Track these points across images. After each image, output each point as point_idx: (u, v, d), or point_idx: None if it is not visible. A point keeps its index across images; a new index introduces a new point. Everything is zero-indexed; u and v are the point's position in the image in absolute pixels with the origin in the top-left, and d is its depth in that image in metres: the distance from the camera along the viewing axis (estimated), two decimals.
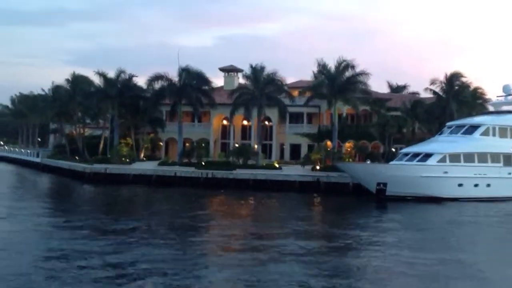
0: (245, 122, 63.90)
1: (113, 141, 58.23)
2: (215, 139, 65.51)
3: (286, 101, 56.12)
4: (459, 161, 43.35)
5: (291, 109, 62.30)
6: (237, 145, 61.67)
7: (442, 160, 42.93)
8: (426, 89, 56.61)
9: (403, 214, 38.12)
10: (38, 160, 78.37)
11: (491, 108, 52.16)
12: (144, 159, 60.89)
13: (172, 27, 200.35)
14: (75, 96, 61.87)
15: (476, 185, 43.40)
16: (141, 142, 61.51)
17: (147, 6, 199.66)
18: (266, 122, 64.51)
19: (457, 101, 55.02)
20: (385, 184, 42.41)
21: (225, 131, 65.75)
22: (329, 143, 59.86)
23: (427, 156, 43.29)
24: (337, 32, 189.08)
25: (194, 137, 65.02)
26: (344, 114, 61.14)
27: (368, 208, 40.32)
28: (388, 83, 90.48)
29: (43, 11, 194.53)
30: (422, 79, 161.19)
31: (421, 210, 39.07)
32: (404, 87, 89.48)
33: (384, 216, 37.79)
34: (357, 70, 50.30)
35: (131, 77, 57.97)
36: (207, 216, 35.19)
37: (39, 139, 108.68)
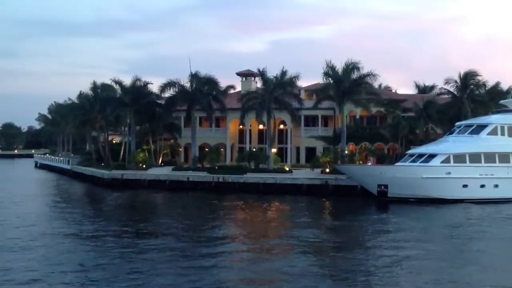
0: (261, 127, 64.19)
1: (130, 147, 59.63)
2: (232, 143, 66.16)
3: (304, 105, 56.76)
4: (464, 162, 42.31)
5: (306, 112, 62.71)
6: (254, 149, 62.18)
7: (446, 160, 42.05)
8: (441, 88, 55.35)
9: (399, 216, 37.64)
10: (68, 167, 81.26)
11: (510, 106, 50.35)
12: (162, 164, 62.21)
13: (224, 34, 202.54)
14: (96, 104, 63.76)
15: (482, 186, 42.24)
16: (158, 148, 62.82)
17: (199, 14, 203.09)
18: (282, 126, 64.83)
19: (472, 101, 53.74)
20: (386, 186, 41.95)
21: (242, 136, 66.32)
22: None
23: (431, 156, 42.52)
24: (391, 32, 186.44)
25: (211, 142, 65.95)
26: (358, 116, 60.56)
27: (367, 211, 39.97)
28: (415, 83, 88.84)
29: (98, 23, 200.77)
30: None
31: (418, 212, 38.35)
32: (432, 87, 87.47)
33: (376, 219, 37.30)
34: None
35: (146, 84, 59.36)
36: (209, 219, 35.59)
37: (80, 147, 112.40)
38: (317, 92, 54.02)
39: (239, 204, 43.89)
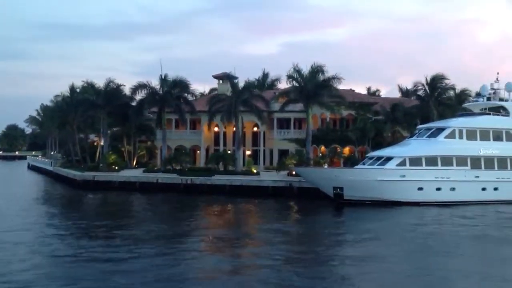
0: (234, 129, 64.43)
1: (103, 149, 60.19)
2: (207, 146, 66.52)
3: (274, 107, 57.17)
4: (420, 165, 42.46)
5: (279, 115, 63.00)
6: (229, 151, 62.54)
7: (402, 163, 42.21)
8: (408, 92, 55.63)
9: (348, 218, 38.05)
10: (51, 168, 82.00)
11: (473, 110, 50.47)
12: (136, 166, 62.70)
13: (238, 36, 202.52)
14: (72, 106, 64.34)
15: (438, 189, 42.37)
16: (132, 150, 63.30)
17: (213, 17, 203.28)
18: (255, 128, 65.18)
19: (439, 104, 53.96)
20: (341, 189, 42.15)
21: (218, 138, 66.68)
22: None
23: (388, 159, 42.72)
24: (405, 34, 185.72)
25: (187, 144, 66.31)
26: (328, 119, 60.82)
27: (320, 213, 40.36)
28: (399, 86, 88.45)
29: (113, 25, 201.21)
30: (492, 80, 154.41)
31: (367, 214, 38.62)
32: (416, 90, 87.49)
33: (323, 221, 37.67)
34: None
35: (118, 86, 59.85)
36: (165, 220, 35.79)
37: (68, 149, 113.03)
38: (283, 95, 54.33)
39: (201, 206, 44.28)
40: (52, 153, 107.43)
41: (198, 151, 66.78)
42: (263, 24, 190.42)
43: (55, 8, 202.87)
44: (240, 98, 52.88)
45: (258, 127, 64.21)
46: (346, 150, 59.27)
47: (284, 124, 64.63)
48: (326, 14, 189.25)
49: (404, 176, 41.76)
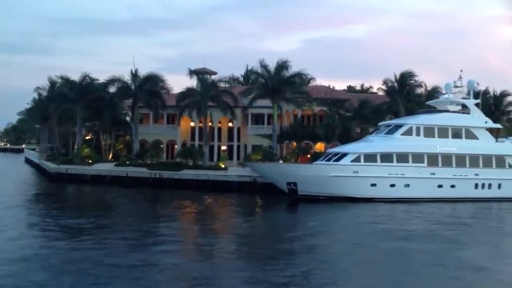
0: (210, 124, 64.84)
1: (78, 142, 60.96)
2: (183, 140, 67.01)
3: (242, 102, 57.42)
4: (375, 161, 42.60)
5: (254, 111, 63.30)
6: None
7: (357, 160, 42.37)
8: (378, 88, 55.71)
9: (297, 213, 38.37)
10: (38, 161, 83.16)
11: (437, 107, 50.37)
12: (112, 160, 63.41)
13: (257, 33, 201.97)
14: (51, 100, 65.16)
15: (392, 185, 42.49)
16: (108, 143, 64.05)
17: (233, 13, 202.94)
18: (230, 124, 65.57)
19: (408, 101, 53.99)
20: (295, 184, 42.42)
21: (194, 133, 67.14)
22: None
23: (343, 156, 42.91)
24: (426, 31, 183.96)
25: (163, 138, 66.96)
26: (299, 115, 61.00)
27: (274, 209, 40.78)
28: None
29: (133, 21, 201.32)
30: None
31: (316, 209, 38.93)
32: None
33: (272, 215, 38.03)
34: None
35: (92, 80, 60.45)
36: (120, 214, 36.07)
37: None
38: (249, 91, 54.63)
39: (163, 200, 44.52)
40: (40, 146, 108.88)
41: (176, 146, 67.33)
42: (283, 20, 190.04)
43: (75, 3, 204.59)
44: (208, 93, 53.18)
45: (233, 123, 64.60)
46: (319, 146, 59.45)
47: (259, 119, 64.96)
48: (346, 11, 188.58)
49: (357, 172, 41.91)
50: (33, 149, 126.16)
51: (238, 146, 65.61)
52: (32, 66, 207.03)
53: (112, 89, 59.47)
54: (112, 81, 57.38)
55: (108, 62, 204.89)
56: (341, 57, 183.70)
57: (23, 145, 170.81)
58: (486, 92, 63.60)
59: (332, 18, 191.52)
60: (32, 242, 24.49)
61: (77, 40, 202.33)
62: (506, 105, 60.93)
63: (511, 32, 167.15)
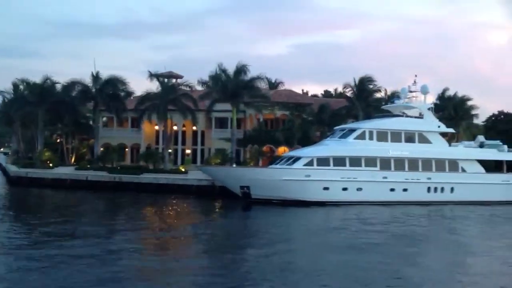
0: (175, 127, 64.96)
1: (39, 146, 60.52)
2: (148, 144, 66.89)
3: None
4: (328, 165, 42.93)
5: (217, 115, 63.42)
6: (170, 150, 63.11)
7: (309, 163, 42.67)
8: (339, 93, 56.22)
9: (250, 217, 38.48)
10: (4, 165, 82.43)
11: (393, 111, 50.88)
12: (75, 163, 63.02)
13: (248, 37, 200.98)
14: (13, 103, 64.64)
15: (344, 189, 42.86)
16: (71, 147, 63.69)
17: (224, 17, 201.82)
18: (195, 128, 65.61)
19: (367, 105, 54.54)
20: (248, 188, 42.59)
21: (158, 136, 67.04)
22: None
23: (297, 159, 43.20)
24: (418, 37, 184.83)
25: (128, 142, 66.79)
26: (261, 119, 61.28)
27: (222, 213, 40.82)
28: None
29: (124, 25, 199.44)
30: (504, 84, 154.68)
31: (267, 213, 39.05)
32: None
33: (228, 219, 38.04)
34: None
35: (53, 83, 60.11)
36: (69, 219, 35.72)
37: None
38: (206, 94, 54.74)
39: (120, 204, 44.15)
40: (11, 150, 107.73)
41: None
42: (274, 25, 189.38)
43: (66, 6, 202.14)
44: (168, 96, 53.19)
45: (197, 126, 64.64)
46: (282, 150, 59.73)
47: (224, 123, 65.06)
48: (337, 16, 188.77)
49: (309, 176, 42.21)
50: (6, 153, 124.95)
51: (202, 150, 65.66)
52: (23, 70, 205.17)
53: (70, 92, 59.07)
54: (72, 84, 57.08)
55: (100, 66, 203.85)
56: (332, 62, 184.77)
57: (1, 149, 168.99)
58: (450, 97, 64.66)
59: (323, 23, 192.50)
60: None
61: (69, 44, 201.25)
62: (465, 110, 61.76)
63: (501, 38, 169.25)
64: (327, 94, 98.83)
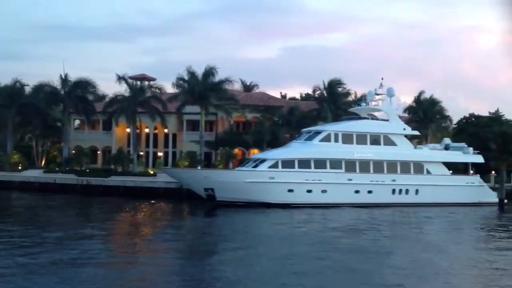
0: (147, 130, 64.73)
1: (7, 148, 59.90)
2: (119, 147, 66.47)
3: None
4: (293, 167, 43.04)
5: (189, 117, 63.31)
6: (141, 153, 62.93)
7: (274, 165, 42.75)
8: (308, 95, 56.47)
9: (214, 220, 38.43)
10: None
11: (360, 114, 51.17)
12: (44, 166, 62.47)
13: (237, 40, 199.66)
14: None
15: (309, 191, 42.97)
16: (41, 149, 63.15)
17: (212, 21, 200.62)
18: (166, 130, 65.44)
19: (337, 108, 54.82)
20: (212, 190, 42.52)
21: (130, 139, 66.62)
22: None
23: (262, 161, 43.26)
24: (407, 40, 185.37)
25: (99, 144, 66.37)
26: (232, 122, 61.30)
27: (186, 216, 40.71)
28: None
29: (113, 28, 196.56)
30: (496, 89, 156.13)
31: (227, 216, 39.03)
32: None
33: (188, 222, 37.98)
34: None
35: (22, 86, 59.60)
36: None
37: None
38: (174, 97, 54.67)
39: (86, 207, 43.91)
40: None
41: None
42: (263, 28, 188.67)
43: (54, 9, 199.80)
44: (137, 99, 53.01)
45: (168, 129, 64.50)
46: (253, 152, 59.75)
47: (196, 126, 64.86)
48: (326, 19, 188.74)
49: (273, 178, 42.28)
50: None
51: (174, 153, 65.45)
52: (10, 73, 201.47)
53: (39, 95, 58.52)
54: (41, 86, 56.61)
55: (88, 69, 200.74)
56: (321, 65, 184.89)
57: None
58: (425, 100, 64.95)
59: (312, 26, 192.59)
60: None
61: (57, 47, 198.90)
62: (435, 113, 62.32)
63: (489, 41, 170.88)
64: (307, 96, 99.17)
